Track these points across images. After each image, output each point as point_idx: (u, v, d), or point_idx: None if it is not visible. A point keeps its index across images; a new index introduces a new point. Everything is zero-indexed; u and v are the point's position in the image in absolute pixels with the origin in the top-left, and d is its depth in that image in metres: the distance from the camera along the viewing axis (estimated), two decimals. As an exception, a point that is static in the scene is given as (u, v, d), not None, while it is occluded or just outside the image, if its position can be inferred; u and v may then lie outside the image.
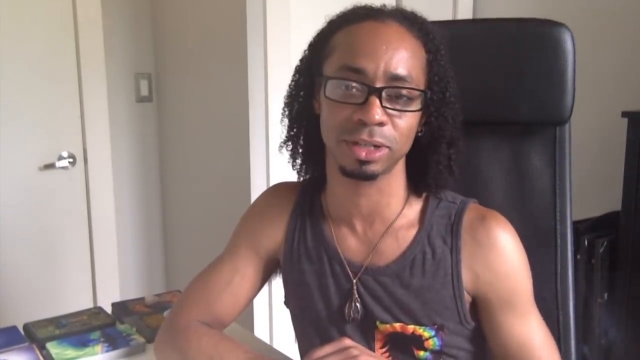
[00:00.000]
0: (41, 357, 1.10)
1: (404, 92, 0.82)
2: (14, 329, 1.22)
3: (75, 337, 1.17)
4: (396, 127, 0.82)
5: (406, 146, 0.86)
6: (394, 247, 0.92)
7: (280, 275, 1.04)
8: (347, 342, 0.82)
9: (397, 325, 0.91)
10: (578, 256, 1.79)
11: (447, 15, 2.37)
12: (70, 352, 1.11)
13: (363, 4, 0.88)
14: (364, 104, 0.80)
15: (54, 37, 2.22)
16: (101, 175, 2.38)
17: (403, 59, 0.81)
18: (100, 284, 2.42)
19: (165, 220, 2.66)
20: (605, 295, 1.80)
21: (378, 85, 0.80)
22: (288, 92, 0.95)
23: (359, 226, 0.94)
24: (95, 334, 1.18)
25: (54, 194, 2.28)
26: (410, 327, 0.91)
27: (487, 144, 1.11)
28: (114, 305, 1.34)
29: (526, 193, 1.08)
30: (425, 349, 0.92)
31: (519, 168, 1.09)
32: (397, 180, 0.91)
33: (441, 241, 0.90)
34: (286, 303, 1.04)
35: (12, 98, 2.14)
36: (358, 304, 0.92)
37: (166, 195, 2.63)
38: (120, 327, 1.23)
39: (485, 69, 1.08)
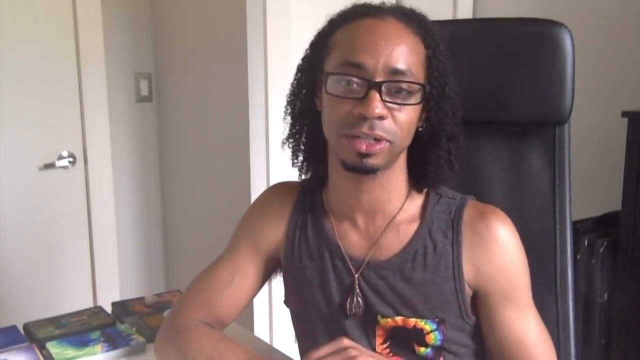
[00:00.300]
0: (41, 357, 1.11)
1: (404, 86, 0.83)
2: (14, 328, 1.22)
3: (75, 337, 1.17)
4: (396, 121, 0.83)
5: (407, 140, 0.87)
6: (395, 241, 0.93)
7: (281, 275, 1.04)
8: (346, 342, 0.82)
9: (399, 319, 0.91)
10: (578, 256, 1.79)
11: (447, 15, 2.37)
12: (70, 352, 1.11)
13: (362, 2, 0.89)
14: (364, 98, 0.81)
15: (54, 37, 2.22)
16: (101, 175, 2.38)
17: (402, 54, 0.83)
18: (100, 284, 2.42)
19: (165, 220, 2.66)
20: (605, 295, 1.80)
21: (378, 79, 0.82)
22: (290, 91, 0.96)
23: (360, 221, 0.95)
24: (95, 334, 1.18)
25: (54, 194, 2.28)
26: (412, 321, 0.91)
27: (487, 144, 1.11)
28: (114, 305, 1.34)
29: (526, 193, 1.09)
30: (426, 345, 0.92)
31: (518, 168, 1.09)
32: (398, 175, 0.92)
33: (442, 236, 0.91)
34: (286, 302, 1.04)
35: (12, 98, 2.14)
36: (359, 299, 0.93)
37: (166, 195, 2.63)
38: (120, 327, 1.23)
39: (485, 69, 1.08)
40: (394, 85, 0.82)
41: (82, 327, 1.22)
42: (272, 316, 2.09)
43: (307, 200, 1.00)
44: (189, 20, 2.31)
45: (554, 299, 1.07)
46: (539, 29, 1.06)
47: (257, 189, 2.01)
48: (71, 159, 2.29)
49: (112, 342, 1.15)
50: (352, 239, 0.95)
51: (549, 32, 1.04)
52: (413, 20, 0.87)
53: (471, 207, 0.93)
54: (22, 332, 1.21)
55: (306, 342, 1.01)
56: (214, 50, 2.17)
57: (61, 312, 1.29)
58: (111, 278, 2.45)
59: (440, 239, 0.91)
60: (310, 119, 0.94)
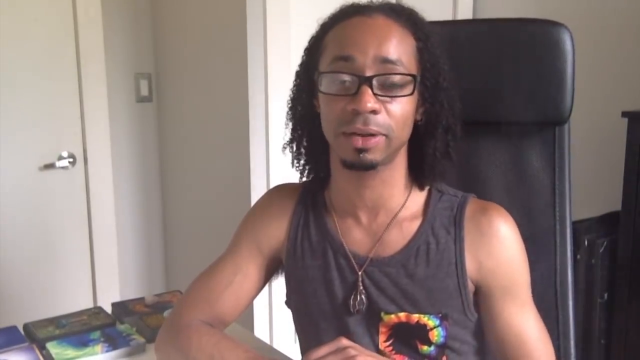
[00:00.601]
0: (41, 357, 1.11)
1: (395, 78, 0.84)
2: (14, 329, 1.22)
3: (75, 337, 1.17)
4: (390, 114, 0.84)
5: (404, 134, 0.88)
6: (398, 238, 0.93)
7: (282, 275, 1.05)
8: (345, 342, 0.82)
9: (402, 314, 0.92)
10: (578, 256, 1.79)
11: (447, 15, 2.37)
12: (70, 352, 1.11)
13: (352, 2, 0.91)
14: (356, 93, 0.83)
15: (54, 37, 2.22)
16: (101, 175, 2.38)
17: (392, 45, 0.84)
18: (100, 284, 2.42)
19: (165, 220, 2.66)
20: (605, 295, 1.80)
21: (368, 74, 0.83)
22: (290, 96, 0.98)
23: (363, 218, 0.95)
24: (95, 334, 1.18)
25: (54, 194, 2.28)
26: (415, 316, 0.91)
27: (487, 144, 1.11)
28: (114, 305, 1.34)
29: (525, 193, 1.09)
30: (429, 343, 0.92)
31: (518, 168, 1.09)
32: (399, 171, 0.93)
33: (445, 232, 0.92)
34: (287, 303, 1.04)
35: (12, 98, 2.14)
36: (363, 296, 0.93)
37: (166, 195, 2.63)
38: (120, 327, 1.23)
39: (485, 69, 1.08)
40: (384, 78, 0.83)
41: (82, 327, 1.22)
42: (272, 316, 2.09)
43: (309, 200, 1.01)
44: (189, 20, 2.31)
45: (554, 299, 1.07)
46: (539, 29, 1.06)
47: (257, 189, 2.01)
48: (71, 159, 2.30)
49: (112, 342, 1.15)
50: (355, 236, 0.96)
51: (549, 32, 1.04)
52: (401, 14, 0.88)
53: (473, 204, 0.94)
54: (22, 332, 1.21)
55: (308, 341, 1.01)
56: (214, 51, 2.17)
57: (61, 312, 1.29)
58: (111, 278, 2.45)
59: (443, 235, 0.92)
60: (310, 122, 0.95)
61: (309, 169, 1.00)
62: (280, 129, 1.01)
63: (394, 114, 0.84)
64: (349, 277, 0.94)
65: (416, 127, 0.91)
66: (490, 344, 0.95)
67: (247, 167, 2.01)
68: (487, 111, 1.09)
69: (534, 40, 1.05)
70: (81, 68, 2.26)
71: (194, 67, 2.31)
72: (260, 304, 2.05)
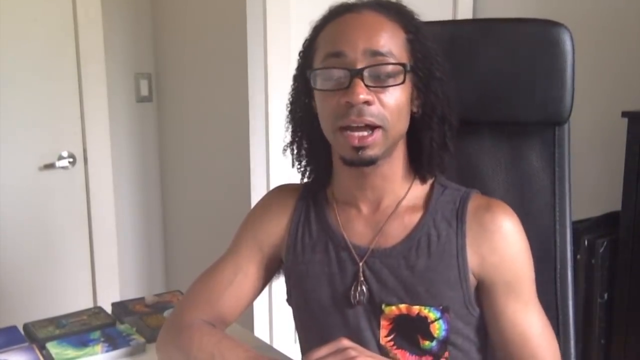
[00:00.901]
0: (41, 357, 1.11)
1: (386, 69, 0.86)
2: (14, 329, 1.22)
3: (75, 337, 1.17)
4: (384, 105, 0.86)
5: (400, 124, 0.89)
6: (399, 229, 0.94)
7: (282, 275, 1.05)
8: (346, 342, 0.82)
9: (403, 306, 0.92)
10: (578, 256, 1.79)
11: (447, 15, 2.37)
12: (70, 352, 1.12)
13: (341, 1, 0.93)
14: (349, 87, 0.85)
15: (54, 37, 2.22)
16: (101, 175, 2.38)
17: (381, 38, 0.86)
18: (100, 284, 2.42)
19: (165, 220, 2.66)
20: (605, 295, 1.80)
21: (359, 66, 0.85)
22: (289, 100, 1.00)
23: (365, 209, 0.96)
24: (95, 334, 1.18)
25: (54, 194, 2.28)
26: (416, 308, 0.91)
27: (487, 144, 1.11)
28: (114, 305, 1.34)
29: (525, 193, 1.09)
30: (431, 338, 0.92)
31: (518, 168, 1.09)
32: (398, 164, 0.94)
33: (446, 224, 0.92)
34: (288, 300, 1.05)
35: (12, 98, 2.14)
36: (364, 287, 0.93)
37: (166, 195, 2.63)
38: (120, 327, 1.23)
39: (485, 68, 1.08)
40: (375, 69, 0.85)
41: (82, 327, 1.22)
42: (272, 316, 2.09)
43: (310, 197, 1.02)
44: (189, 21, 2.31)
45: (554, 299, 1.06)
46: (539, 29, 1.06)
47: (257, 188, 2.01)
48: (71, 159, 2.30)
49: (112, 342, 1.15)
50: (356, 228, 0.96)
51: (549, 32, 1.04)
52: (389, 9, 0.90)
53: (476, 199, 0.95)
54: (22, 332, 1.21)
55: (309, 338, 1.01)
56: (214, 51, 2.17)
57: (61, 312, 1.29)
58: (111, 278, 2.45)
59: (445, 227, 0.92)
60: (310, 124, 0.96)
61: (310, 170, 1.02)
62: (280, 129, 1.03)
63: (388, 104, 0.86)
64: (350, 268, 0.95)
65: (414, 119, 0.92)
66: (494, 341, 0.95)
67: (247, 167, 2.01)
68: (487, 111, 1.09)
69: (534, 40, 1.05)
70: (81, 68, 2.26)
71: (194, 67, 2.31)
72: (260, 304, 2.05)
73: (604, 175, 2.00)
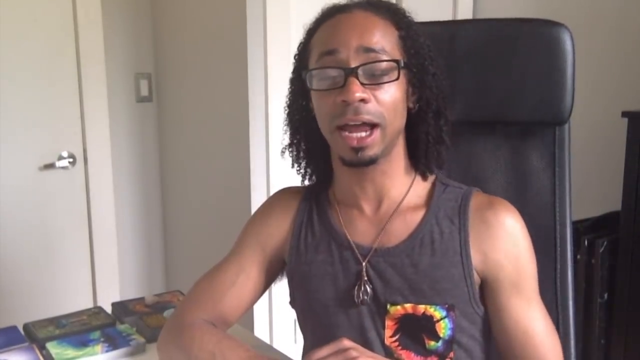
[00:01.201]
0: (41, 357, 1.11)
1: (380, 66, 0.86)
2: (14, 329, 1.22)
3: (75, 337, 1.17)
4: (380, 102, 0.87)
5: (397, 121, 0.90)
6: (402, 228, 0.94)
7: (285, 276, 1.05)
8: (347, 342, 0.82)
9: (408, 305, 0.92)
10: (578, 256, 1.79)
11: (447, 15, 2.37)
12: (70, 352, 1.12)
13: (332, 3, 0.95)
14: (344, 85, 0.86)
15: (54, 37, 2.22)
16: (101, 175, 2.38)
17: (374, 35, 0.88)
18: (100, 284, 2.42)
19: (165, 220, 2.66)
20: (605, 295, 1.80)
21: (353, 65, 0.86)
22: (286, 103, 1.00)
23: (367, 209, 0.97)
24: (95, 334, 1.18)
25: (54, 194, 2.28)
26: (421, 307, 0.91)
27: (487, 144, 1.11)
28: (114, 305, 1.34)
29: (526, 193, 1.09)
30: (437, 337, 0.92)
31: (518, 168, 1.09)
32: (398, 161, 0.95)
33: (449, 222, 0.93)
34: (292, 302, 1.05)
35: (12, 98, 2.14)
36: (368, 287, 0.93)
37: (166, 195, 2.63)
38: (120, 327, 1.23)
39: (485, 68, 1.08)
40: (370, 67, 0.86)
41: (82, 327, 1.22)
42: (272, 317, 2.09)
43: (313, 199, 1.02)
44: (189, 21, 2.31)
45: (554, 298, 1.06)
46: (539, 29, 1.06)
47: (257, 189, 2.01)
48: (71, 159, 2.30)
49: (112, 342, 1.15)
50: (359, 228, 0.97)
51: (549, 32, 1.04)
52: (380, 7, 0.91)
53: (478, 197, 0.95)
54: (22, 332, 1.21)
55: (313, 337, 1.01)
56: (214, 51, 2.17)
57: (61, 312, 1.29)
58: (111, 278, 2.45)
59: (447, 225, 0.92)
60: (308, 126, 0.97)
61: (310, 172, 1.02)
62: (280, 129, 1.03)
63: (384, 101, 0.87)
64: (353, 268, 0.95)
65: (410, 115, 0.93)
66: (497, 339, 0.95)
67: (247, 168, 2.01)
68: (486, 111, 1.09)
69: (534, 41, 1.05)
70: (81, 68, 2.27)
71: (194, 67, 2.31)
72: (260, 304, 2.05)
73: (604, 175, 2.00)
